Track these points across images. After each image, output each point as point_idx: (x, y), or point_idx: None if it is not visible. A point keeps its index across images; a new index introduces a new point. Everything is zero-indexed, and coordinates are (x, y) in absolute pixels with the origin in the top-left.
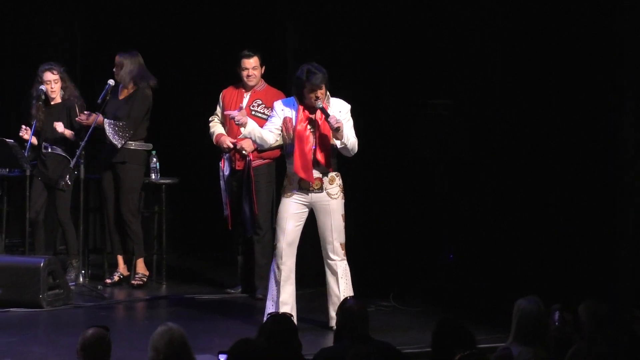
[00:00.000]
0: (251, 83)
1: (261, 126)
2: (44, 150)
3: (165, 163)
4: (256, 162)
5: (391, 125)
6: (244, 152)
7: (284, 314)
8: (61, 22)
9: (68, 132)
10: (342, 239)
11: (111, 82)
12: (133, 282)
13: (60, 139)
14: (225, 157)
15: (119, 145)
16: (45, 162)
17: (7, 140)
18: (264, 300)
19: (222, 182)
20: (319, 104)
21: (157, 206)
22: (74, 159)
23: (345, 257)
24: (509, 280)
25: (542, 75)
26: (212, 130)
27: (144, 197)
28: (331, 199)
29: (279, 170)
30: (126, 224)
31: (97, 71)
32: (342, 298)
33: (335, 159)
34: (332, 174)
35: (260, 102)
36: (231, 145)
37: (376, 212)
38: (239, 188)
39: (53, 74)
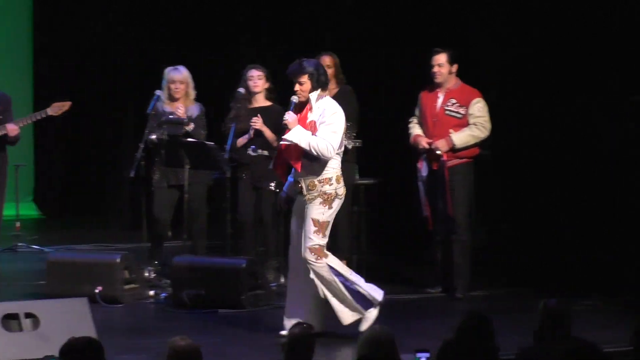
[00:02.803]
0: (437, 80)
1: (454, 126)
2: (250, 153)
3: (364, 164)
4: (452, 162)
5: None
6: (437, 152)
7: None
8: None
9: (269, 134)
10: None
11: (294, 98)
12: None
13: (266, 142)
14: (422, 157)
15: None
16: (251, 163)
17: (207, 142)
18: (463, 300)
19: (419, 183)
20: (294, 99)
21: (357, 206)
22: (273, 160)
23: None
24: None
25: None
26: (410, 131)
27: None
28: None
29: (477, 169)
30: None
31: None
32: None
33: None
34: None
35: (455, 101)
36: (427, 146)
37: (584, 209)
38: (436, 188)
39: (257, 70)
